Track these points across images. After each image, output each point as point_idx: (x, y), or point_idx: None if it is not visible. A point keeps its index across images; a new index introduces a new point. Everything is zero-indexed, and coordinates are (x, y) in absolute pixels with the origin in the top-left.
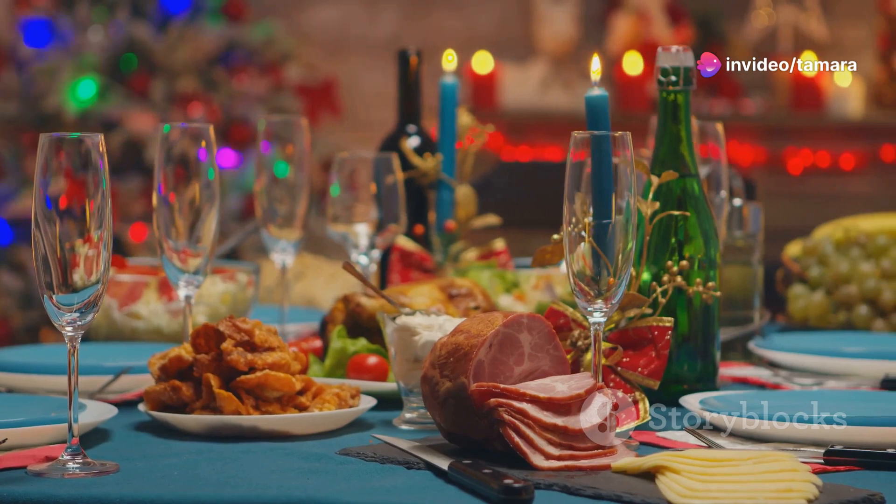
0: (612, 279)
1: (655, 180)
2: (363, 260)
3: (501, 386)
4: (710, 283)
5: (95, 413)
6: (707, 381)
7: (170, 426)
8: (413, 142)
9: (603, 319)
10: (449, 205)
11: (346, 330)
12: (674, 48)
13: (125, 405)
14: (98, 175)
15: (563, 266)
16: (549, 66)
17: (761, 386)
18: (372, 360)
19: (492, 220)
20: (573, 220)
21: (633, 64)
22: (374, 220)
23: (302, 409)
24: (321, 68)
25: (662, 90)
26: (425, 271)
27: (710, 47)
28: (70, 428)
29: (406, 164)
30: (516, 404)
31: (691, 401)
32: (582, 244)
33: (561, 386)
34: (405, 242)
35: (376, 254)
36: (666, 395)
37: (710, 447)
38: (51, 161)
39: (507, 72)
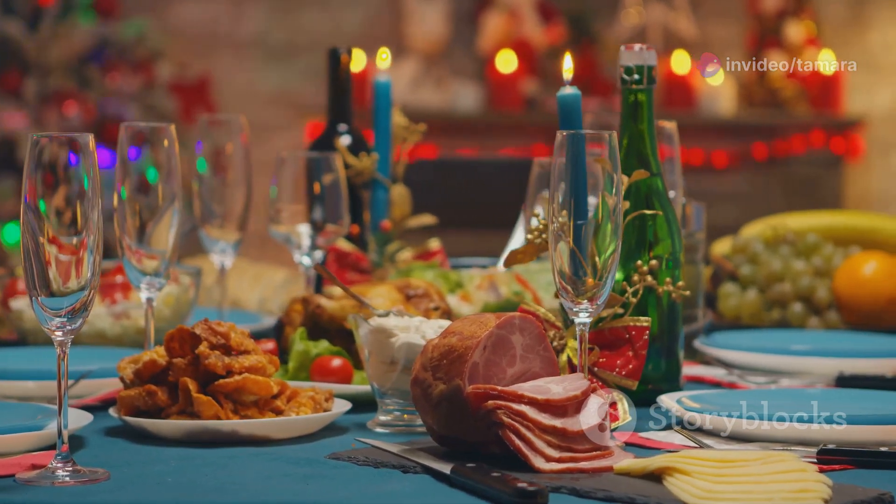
0: (590, 279)
1: (626, 179)
2: (306, 261)
3: (499, 388)
4: (680, 283)
5: (70, 420)
6: (671, 380)
7: (145, 432)
8: (345, 140)
9: (589, 320)
10: (384, 204)
11: (305, 332)
12: (636, 46)
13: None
14: (83, 177)
15: (500, 266)
16: (420, 64)
17: (717, 385)
18: (336, 362)
19: (427, 219)
20: (552, 219)
21: (506, 62)
22: (315, 221)
23: (278, 412)
24: (192, 66)
25: (625, 89)
26: (361, 272)
27: (582, 45)
28: (60, 434)
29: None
30: (515, 406)
31: (667, 401)
32: (560, 244)
33: (555, 387)
34: (340, 243)
35: (319, 254)
36: (631, 395)
37: (700, 447)
38: (35, 161)
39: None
